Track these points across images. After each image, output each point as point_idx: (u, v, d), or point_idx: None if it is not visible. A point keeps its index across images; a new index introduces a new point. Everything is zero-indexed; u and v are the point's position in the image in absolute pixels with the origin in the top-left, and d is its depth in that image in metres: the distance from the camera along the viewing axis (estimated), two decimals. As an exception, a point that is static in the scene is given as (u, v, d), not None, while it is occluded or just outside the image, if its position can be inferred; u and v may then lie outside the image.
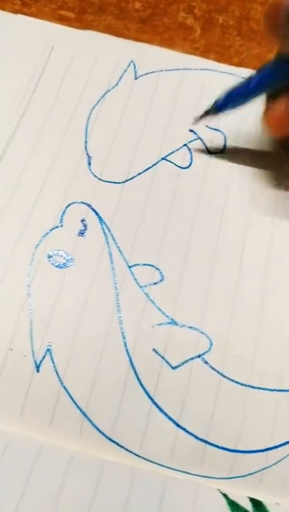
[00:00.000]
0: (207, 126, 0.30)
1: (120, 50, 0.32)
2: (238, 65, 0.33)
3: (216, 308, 0.26)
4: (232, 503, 0.23)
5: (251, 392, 0.24)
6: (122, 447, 0.23)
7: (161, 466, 0.23)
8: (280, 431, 0.24)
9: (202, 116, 0.29)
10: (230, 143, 0.30)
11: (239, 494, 0.23)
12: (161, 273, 0.26)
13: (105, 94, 0.31)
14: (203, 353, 0.25)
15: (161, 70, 0.32)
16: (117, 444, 0.23)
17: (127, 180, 0.28)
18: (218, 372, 0.24)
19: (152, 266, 0.26)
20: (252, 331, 0.25)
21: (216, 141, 0.30)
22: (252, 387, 0.24)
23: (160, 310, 0.25)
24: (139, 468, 0.23)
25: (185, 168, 0.29)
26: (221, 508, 0.22)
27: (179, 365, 0.24)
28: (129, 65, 0.32)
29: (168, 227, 0.27)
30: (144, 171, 0.29)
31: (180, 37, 0.34)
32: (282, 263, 0.27)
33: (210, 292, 0.26)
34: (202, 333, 0.25)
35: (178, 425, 0.24)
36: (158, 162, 0.29)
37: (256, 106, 0.31)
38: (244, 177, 0.29)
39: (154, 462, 0.23)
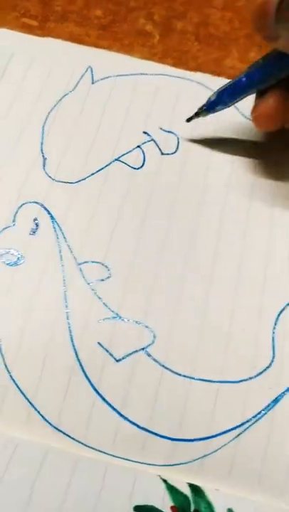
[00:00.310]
0: (161, 128, 0.31)
1: (79, 56, 0.33)
2: (195, 69, 0.34)
3: (160, 304, 0.27)
4: (171, 488, 0.24)
5: (192, 383, 0.25)
6: (67, 435, 0.24)
7: (104, 453, 0.24)
8: (219, 421, 0.25)
9: (194, 117, 0.30)
10: (183, 144, 0.31)
11: (179, 480, 0.24)
12: (108, 270, 0.27)
13: (62, 98, 0.32)
14: (147, 346, 0.26)
15: (118, 75, 0.33)
16: (63, 432, 0.24)
17: (80, 181, 0.29)
18: (160, 364, 0.25)
19: (101, 263, 0.27)
20: (194, 326, 0.26)
21: (168, 142, 0.31)
22: (193, 378, 0.25)
23: (106, 305, 0.26)
24: (83, 456, 0.24)
25: (137, 168, 0.30)
26: (159, 493, 0.23)
27: (123, 358, 0.25)
28: (87, 70, 0.33)
29: (118, 226, 0.28)
30: (98, 171, 0.30)
31: (139, 43, 0.35)
32: (227, 261, 0.28)
33: (155, 289, 0.27)
34: (146, 327, 0.26)
35: (121, 415, 0.25)
36: (111, 163, 0.30)
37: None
38: (195, 177, 0.30)
39: (96, 449, 0.24)
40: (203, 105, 0.30)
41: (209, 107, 0.30)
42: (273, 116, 0.28)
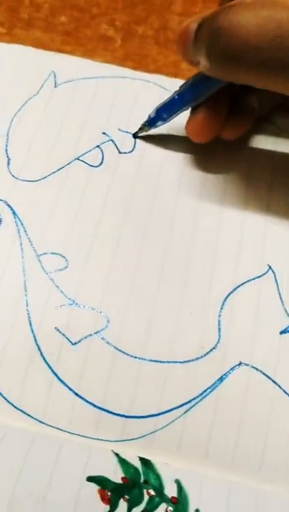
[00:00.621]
0: (119, 129, 0.33)
1: (43, 61, 0.35)
2: (155, 71, 0.36)
3: (114, 291, 0.29)
4: (122, 461, 0.25)
5: (143, 364, 0.27)
6: (26, 414, 0.26)
7: (61, 430, 0.26)
8: (168, 399, 0.27)
9: (138, 132, 0.33)
10: (139, 143, 0.33)
11: (130, 454, 0.26)
12: (66, 260, 0.29)
13: (27, 101, 0.34)
14: (101, 330, 0.28)
15: (80, 79, 0.35)
16: (22, 411, 0.26)
17: (41, 179, 0.31)
18: (113, 346, 0.27)
19: (59, 254, 0.29)
20: (145, 311, 0.28)
21: (126, 142, 0.33)
22: (144, 359, 0.27)
23: (63, 293, 0.28)
24: (40, 433, 0.26)
25: (96, 166, 0.32)
26: (112, 465, 0.25)
27: (79, 342, 0.27)
28: (50, 74, 0.35)
29: (76, 220, 0.30)
30: (58, 169, 0.32)
31: (101, 47, 0.37)
32: (177, 251, 0.30)
33: (109, 277, 0.29)
34: (100, 312, 0.28)
35: (77, 394, 0.26)
36: (71, 162, 0.32)
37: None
38: (149, 174, 0.32)
39: (54, 427, 0.26)
40: (145, 121, 0.32)
41: (150, 123, 0.32)
42: (201, 131, 0.30)
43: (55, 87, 0.34)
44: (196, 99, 0.30)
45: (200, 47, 0.26)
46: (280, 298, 0.29)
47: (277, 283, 0.29)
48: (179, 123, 0.32)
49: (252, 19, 0.23)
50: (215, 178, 0.32)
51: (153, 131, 0.33)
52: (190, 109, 0.31)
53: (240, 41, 0.24)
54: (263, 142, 0.34)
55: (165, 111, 0.31)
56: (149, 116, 0.32)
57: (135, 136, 0.33)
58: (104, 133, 0.33)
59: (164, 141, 0.33)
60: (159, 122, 0.32)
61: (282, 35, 0.23)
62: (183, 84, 0.30)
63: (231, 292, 0.29)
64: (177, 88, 0.32)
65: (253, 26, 0.23)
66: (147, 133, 0.33)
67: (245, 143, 0.34)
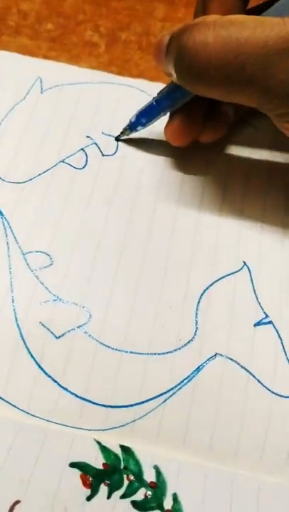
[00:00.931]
0: (102, 132, 0.35)
1: (30, 68, 0.37)
2: (138, 76, 0.38)
3: (96, 287, 0.30)
4: (104, 448, 0.27)
5: (123, 356, 0.29)
6: (12, 405, 0.27)
7: (45, 420, 0.27)
8: (147, 389, 0.28)
9: (120, 135, 0.35)
10: (121, 146, 0.34)
11: (111, 442, 0.27)
12: (51, 258, 0.30)
13: (14, 107, 0.35)
14: (83, 324, 0.29)
15: (65, 84, 0.36)
16: (8, 402, 0.27)
17: (27, 181, 0.33)
18: (95, 340, 0.29)
19: (44, 253, 0.31)
20: (126, 306, 0.30)
21: (109, 144, 0.34)
22: (124, 351, 0.29)
23: (47, 289, 0.30)
24: (26, 422, 0.27)
25: (80, 168, 0.34)
26: (93, 452, 0.26)
27: (62, 335, 0.29)
28: (36, 80, 0.36)
29: (61, 220, 0.32)
30: (44, 172, 0.33)
31: (86, 53, 0.38)
32: (157, 250, 0.31)
33: (92, 274, 0.30)
34: (83, 307, 0.29)
35: (60, 385, 0.28)
36: (57, 164, 0.34)
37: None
38: (131, 175, 0.34)
39: (38, 417, 0.27)
40: (127, 125, 0.34)
41: (131, 127, 0.34)
42: (178, 136, 0.32)
43: (42, 92, 0.36)
44: (172, 105, 0.31)
45: (170, 60, 0.27)
46: (254, 292, 0.30)
47: (251, 278, 0.31)
48: (159, 127, 0.34)
49: (213, 38, 0.25)
50: (194, 179, 0.34)
51: (134, 135, 0.34)
52: (168, 114, 0.32)
53: (203, 60, 0.25)
54: (240, 144, 0.35)
55: (144, 116, 0.33)
56: (130, 120, 0.34)
57: (117, 139, 0.35)
58: (88, 136, 0.35)
59: (146, 144, 0.35)
60: (139, 127, 0.33)
61: (246, 52, 0.24)
62: (160, 91, 0.32)
63: (208, 287, 0.30)
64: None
65: (214, 45, 0.25)
66: (129, 136, 0.34)
67: (223, 145, 0.35)
